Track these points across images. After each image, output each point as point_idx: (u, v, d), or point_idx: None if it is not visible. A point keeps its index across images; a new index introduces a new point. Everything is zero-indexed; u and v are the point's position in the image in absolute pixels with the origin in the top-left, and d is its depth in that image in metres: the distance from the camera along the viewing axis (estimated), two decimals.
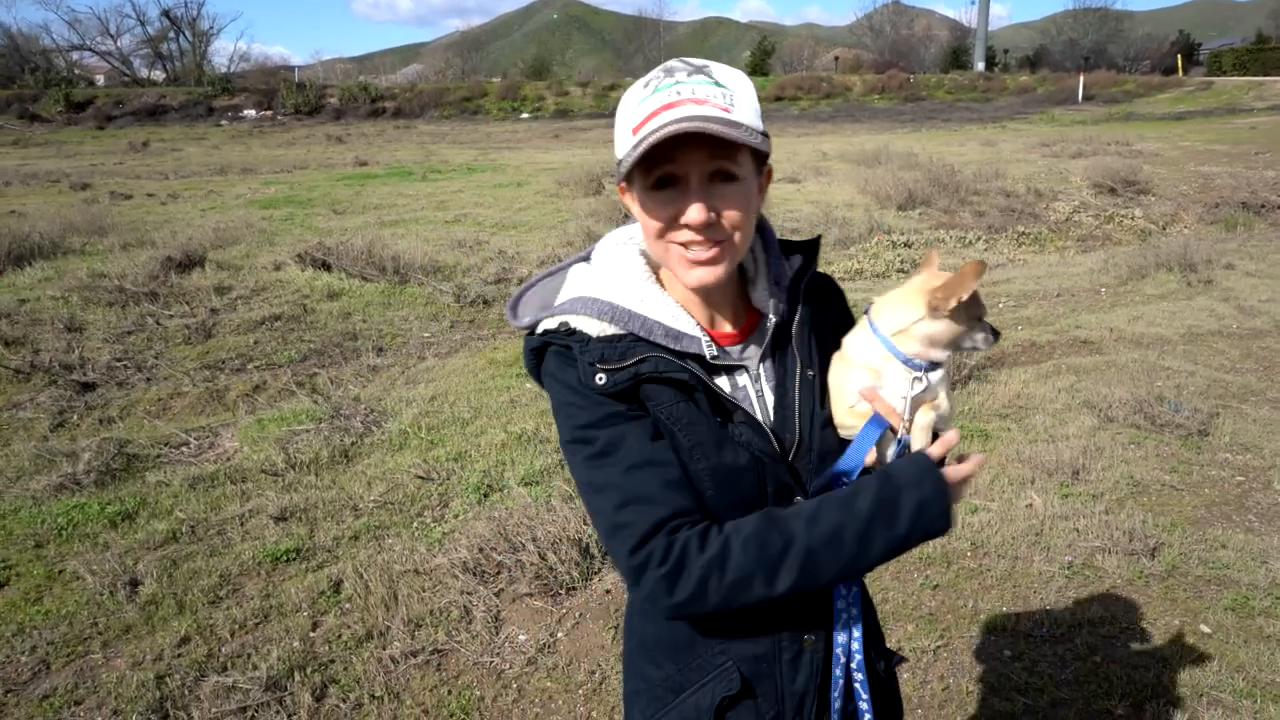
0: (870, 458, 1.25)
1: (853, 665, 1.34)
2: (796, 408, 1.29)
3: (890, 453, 1.26)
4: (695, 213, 1.16)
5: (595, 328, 1.23)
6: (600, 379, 1.20)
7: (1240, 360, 6.10)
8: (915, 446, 1.23)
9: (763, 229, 1.35)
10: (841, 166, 16.77)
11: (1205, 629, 3.19)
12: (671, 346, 1.23)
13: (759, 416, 1.28)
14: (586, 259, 1.35)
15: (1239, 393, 5.47)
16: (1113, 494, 4.16)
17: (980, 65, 55.70)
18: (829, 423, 1.30)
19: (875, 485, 1.19)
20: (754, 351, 1.32)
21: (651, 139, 1.11)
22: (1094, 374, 5.77)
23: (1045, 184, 14.32)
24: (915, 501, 1.18)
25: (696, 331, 1.26)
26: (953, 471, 1.22)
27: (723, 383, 1.28)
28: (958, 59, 63.51)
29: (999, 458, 4.54)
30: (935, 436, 1.27)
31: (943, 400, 1.27)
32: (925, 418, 1.24)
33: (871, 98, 43.98)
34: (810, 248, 1.39)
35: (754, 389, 1.30)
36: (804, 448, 1.28)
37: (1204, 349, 6.33)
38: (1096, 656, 3.06)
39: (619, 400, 1.22)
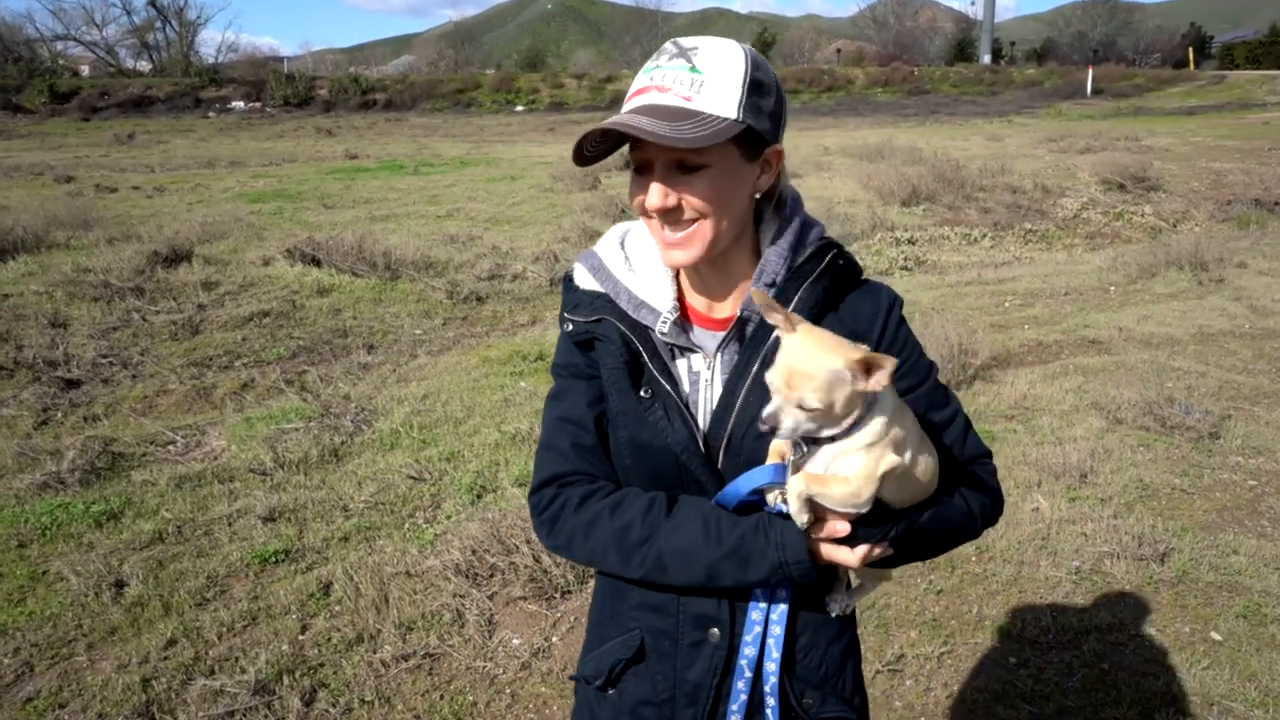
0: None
1: (766, 688, 1.28)
2: (737, 407, 1.25)
3: (771, 500, 1.21)
4: (650, 197, 1.21)
5: (586, 280, 1.34)
6: (568, 326, 1.34)
7: (1253, 361, 6.03)
8: (791, 510, 1.17)
9: (783, 223, 1.31)
10: (843, 161, 16.69)
11: (1216, 636, 3.13)
12: (630, 314, 1.29)
13: (699, 405, 1.28)
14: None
15: (1251, 394, 5.40)
16: (1121, 498, 4.10)
17: (986, 58, 55.66)
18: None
19: (742, 531, 1.21)
20: (733, 343, 1.30)
21: (591, 132, 1.17)
22: (1102, 375, 5.70)
23: (1053, 180, 14.26)
24: (774, 561, 1.20)
25: (662, 307, 1.29)
26: (825, 551, 1.22)
27: (680, 364, 1.30)
28: (963, 51, 63.45)
29: (1004, 460, 4.46)
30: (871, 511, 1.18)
31: (835, 486, 1.14)
32: (797, 485, 1.15)
33: (874, 91, 43.93)
34: (819, 252, 1.30)
35: (705, 377, 1.30)
36: (732, 449, 1.26)
37: (1215, 349, 6.25)
38: (1104, 664, 3.01)
39: (580, 350, 1.34)
